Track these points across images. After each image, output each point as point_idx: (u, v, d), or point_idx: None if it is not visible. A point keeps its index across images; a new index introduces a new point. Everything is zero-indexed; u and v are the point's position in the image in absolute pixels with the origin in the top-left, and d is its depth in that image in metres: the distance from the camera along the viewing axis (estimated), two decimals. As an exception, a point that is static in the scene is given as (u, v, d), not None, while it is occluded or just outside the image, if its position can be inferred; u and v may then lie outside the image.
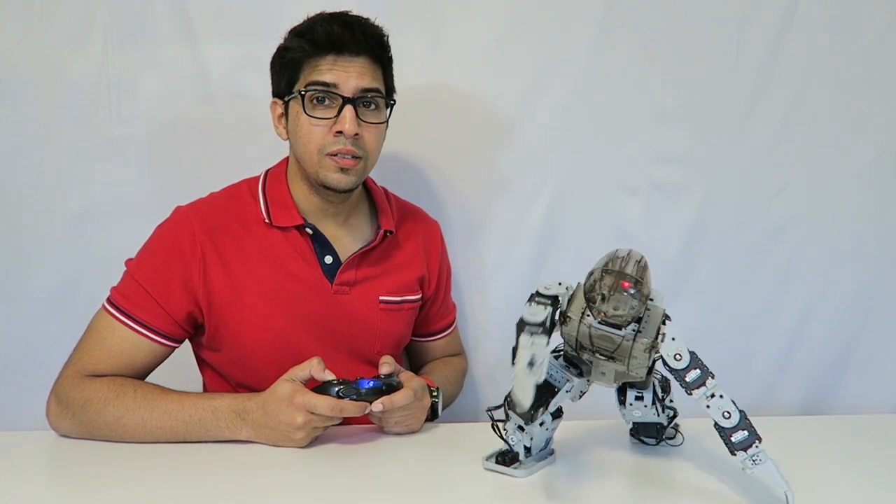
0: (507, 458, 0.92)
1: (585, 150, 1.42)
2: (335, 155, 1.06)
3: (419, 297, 1.22)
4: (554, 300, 0.78)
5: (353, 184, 1.10)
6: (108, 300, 1.08)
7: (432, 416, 1.11)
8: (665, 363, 0.81)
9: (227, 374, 1.15)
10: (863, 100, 1.43)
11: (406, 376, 1.06)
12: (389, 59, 1.12)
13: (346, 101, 1.05)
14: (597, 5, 1.39)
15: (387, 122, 1.12)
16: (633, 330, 0.79)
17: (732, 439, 0.79)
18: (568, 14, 1.39)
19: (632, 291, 0.74)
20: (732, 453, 0.81)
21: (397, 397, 0.99)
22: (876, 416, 1.37)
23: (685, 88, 1.42)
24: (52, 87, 1.34)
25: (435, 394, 1.11)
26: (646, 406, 0.90)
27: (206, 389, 1.21)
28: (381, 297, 1.17)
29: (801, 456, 1.00)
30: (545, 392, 0.86)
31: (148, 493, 0.86)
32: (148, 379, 1.08)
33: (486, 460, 0.93)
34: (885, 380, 1.48)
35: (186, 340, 1.14)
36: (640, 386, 0.90)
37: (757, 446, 0.79)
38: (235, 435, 0.99)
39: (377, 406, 0.97)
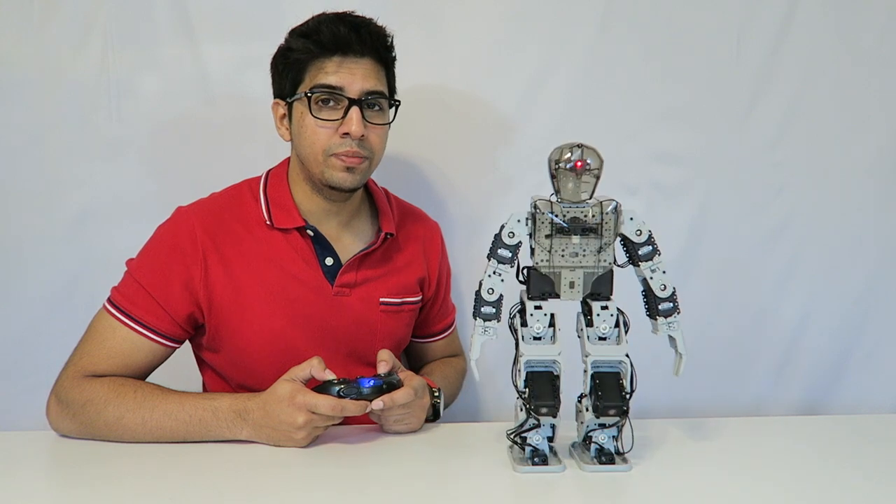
0: (537, 460, 0.93)
1: (585, 150, 1.42)
2: (340, 156, 1.06)
3: (419, 298, 1.22)
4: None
5: (358, 183, 1.10)
6: (109, 300, 1.08)
7: (434, 416, 1.11)
8: (625, 239, 0.94)
9: (227, 375, 1.15)
10: (863, 100, 1.43)
11: (406, 375, 1.06)
12: (393, 60, 1.13)
13: (351, 102, 1.05)
14: (597, 5, 1.39)
15: (391, 122, 1.12)
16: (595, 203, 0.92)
17: (659, 307, 0.94)
18: (568, 14, 1.39)
19: (590, 161, 0.91)
20: (654, 318, 0.96)
21: (398, 395, 0.99)
22: (876, 416, 1.37)
23: (685, 88, 1.42)
24: (52, 87, 1.34)
25: (437, 394, 1.11)
26: (611, 315, 0.93)
27: (206, 390, 1.21)
28: (381, 299, 1.17)
29: (801, 456, 1.00)
30: (552, 383, 0.91)
31: (148, 493, 0.86)
32: (148, 379, 1.08)
33: (520, 465, 0.92)
34: (885, 380, 1.49)
35: (186, 341, 1.14)
36: (603, 297, 0.94)
37: (675, 316, 0.95)
38: (236, 435, 0.99)
39: (377, 404, 0.97)
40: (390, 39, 1.10)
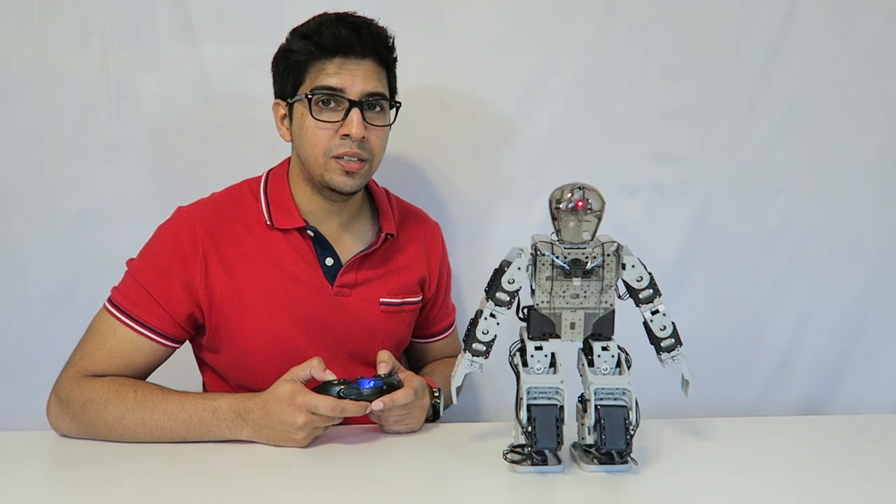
0: (537, 459, 0.92)
1: (585, 150, 1.42)
2: (341, 158, 1.06)
3: (419, 298, 1.22)
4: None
5: (358, 186, 1.10)
6: (109, 300, 1.08)
7: (434, 416, 1.11)
8: (626, 284, 0.93)
9: (227, 376, 1.15)
10: (863, 100, 1.43)
11: (406, 375, 1.06)
12: (394, 61, 1.12)
13: (352, 104, 1.05)
14: (597, 5, 1.39)
15: (391, 124, 1.12)
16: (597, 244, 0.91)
17: (662, 345, 0.96)
18: (568, 14, 1.39)
19: (591, 201, 0.89)
20: (658, 353, 0.96)
21: (398, 395, 0.99)
22: (876, 416, 1.37)
23: (685, 88, 1.42)
24: (52, 87, 1.34)
25: (437, 394, 1.11)
26: (612, 356, 0.93)
27: (206, 390, 1.21)
28: (381, 299, 1.16)
29: (801, 456, 1.00)
30: (557, 418, 0.90)
31: (148, 493, 0.86)
32: (148, 379, 1.08)
33: (519, 465, 0.92)
34: (885, 380, 1.48)
35: (187, 341, 1.14)
36: (604, 337, 0.94)
37: (678, 350, 0.96)
38: (236, 435, 0.99)
39: (377, 405, 0.97)
40: (391, 40, 1.10)
